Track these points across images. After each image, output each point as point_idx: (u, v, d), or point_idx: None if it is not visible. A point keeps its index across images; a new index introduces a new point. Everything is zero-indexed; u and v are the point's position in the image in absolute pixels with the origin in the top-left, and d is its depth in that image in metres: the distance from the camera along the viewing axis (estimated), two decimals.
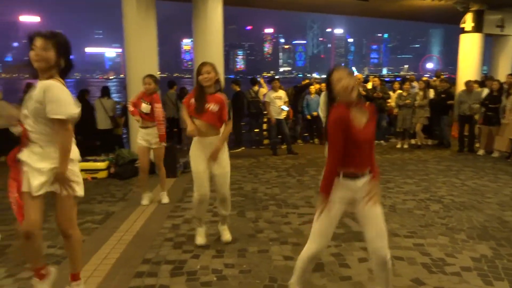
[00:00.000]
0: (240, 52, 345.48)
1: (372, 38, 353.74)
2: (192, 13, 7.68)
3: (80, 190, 2.67)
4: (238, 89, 9.35)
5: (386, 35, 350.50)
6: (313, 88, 9.84)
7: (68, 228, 2.66)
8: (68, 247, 2.75)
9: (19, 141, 2.58)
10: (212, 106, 3.56)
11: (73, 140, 2.63)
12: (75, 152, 2.66)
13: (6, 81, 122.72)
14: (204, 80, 3.55)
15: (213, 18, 7.62)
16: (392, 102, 9.72)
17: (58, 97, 2.45)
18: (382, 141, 9.70)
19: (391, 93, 9.96)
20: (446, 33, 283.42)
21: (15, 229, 2.62)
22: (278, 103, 8.60)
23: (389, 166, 7.35)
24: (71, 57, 2.59)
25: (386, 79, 23.24)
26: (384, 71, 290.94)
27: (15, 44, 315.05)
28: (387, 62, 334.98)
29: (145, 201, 5.16)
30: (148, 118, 5.02)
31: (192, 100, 3.63)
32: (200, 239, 3.84)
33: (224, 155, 3.72)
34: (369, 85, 9.84)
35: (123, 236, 4.08)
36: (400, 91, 9.52)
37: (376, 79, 9.91)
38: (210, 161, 3.65)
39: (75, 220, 2.72)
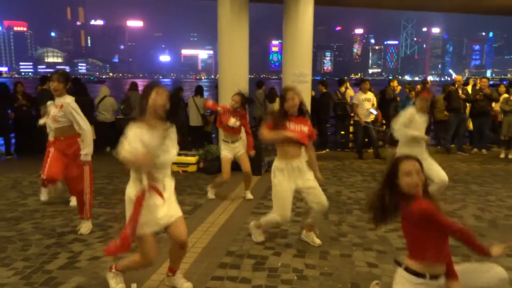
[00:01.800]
0: (327, 53, 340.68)
1: (474, 38, 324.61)
2: (283, 14, 7.76)
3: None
4: (325, 90, 9.24)
5: (491, 34, 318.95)
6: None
7: (186, 241, 2.82)
8: (180, 254, 2.90)
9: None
10: (302, 127, 3.58)
11: None
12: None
13: (112, 79, 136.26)
14: (291, 106, 3.55)
15: (304, 19, 7.61)
16: (496, 107, 8.82)
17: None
18: (483, 150, 8.86)
19: None
20: None
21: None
22: (367, 105, 8.30)
23: (490, 177, 6.69)
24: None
25: (490, 82, 21.08)
26: (488, 73, 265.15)
27: (122, 47, 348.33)
28: (491, 64, 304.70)
29: (210, 194, 5.40)
30: (233, 132, 5.12)
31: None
32: (259, 237, 3.92)
33: (308, 172, 3.68)
34: (469, 88, 9.06)
35: (209, 227, 4.29)
36: (506, 95, 8.60)
37: (484, 79, 9.06)
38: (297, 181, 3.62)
39: None
